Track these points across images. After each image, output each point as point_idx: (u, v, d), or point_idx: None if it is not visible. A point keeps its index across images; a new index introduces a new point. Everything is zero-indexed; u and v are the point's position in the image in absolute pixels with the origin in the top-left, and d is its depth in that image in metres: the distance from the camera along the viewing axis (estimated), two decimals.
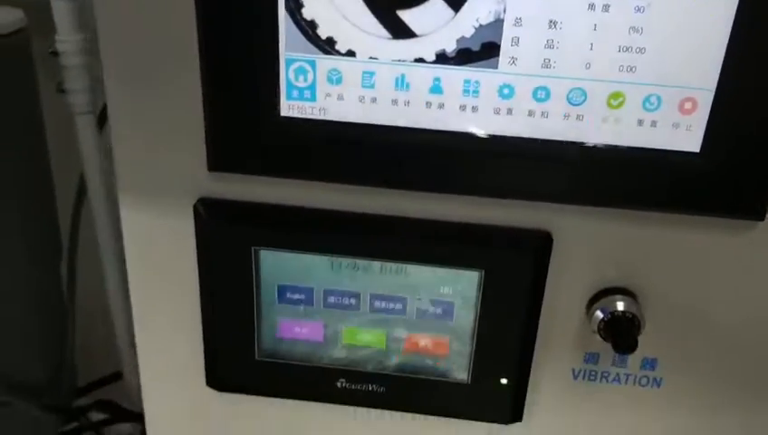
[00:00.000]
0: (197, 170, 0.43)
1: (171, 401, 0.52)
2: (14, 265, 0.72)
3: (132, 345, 0.82)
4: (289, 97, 0.40)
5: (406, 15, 0.37)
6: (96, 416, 0.84)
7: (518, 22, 0.36)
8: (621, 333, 0.42)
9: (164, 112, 0.41)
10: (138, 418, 0.85)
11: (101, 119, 0.74)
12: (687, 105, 0.37)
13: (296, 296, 0.46)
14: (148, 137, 0.42)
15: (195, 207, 0.44)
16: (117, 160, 0.43)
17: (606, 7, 0.35)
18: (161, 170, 0.43)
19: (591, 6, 0.35)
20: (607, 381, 0.47)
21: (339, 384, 0.48)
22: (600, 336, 0.43)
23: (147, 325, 0.49)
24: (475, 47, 0.37)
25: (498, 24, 0.36)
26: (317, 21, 0.37)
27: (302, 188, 0.42)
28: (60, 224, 0.80)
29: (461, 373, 0.47)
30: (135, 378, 0.85)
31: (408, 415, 0.49)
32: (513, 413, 0.48)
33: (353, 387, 0.48)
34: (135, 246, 0.46)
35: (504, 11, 0.36)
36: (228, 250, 0.45)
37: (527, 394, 0.47)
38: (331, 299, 0.46)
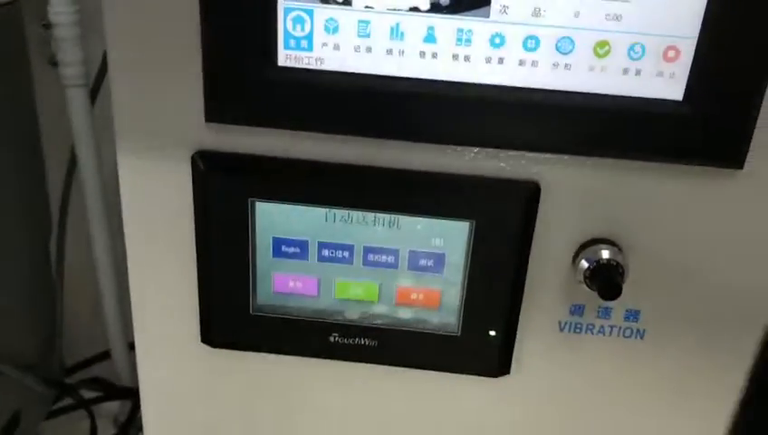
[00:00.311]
0: (195, 122, 0.43)
1: (165, 360, 0.52)
2: (3, 239, 0.72)
3: (121, 320, 0.83)
4: (286, 46, 0.41)
5: None
6: (87, 394, 0.85)
7: None
8: (606, 280, 0.43)
9: (162, 64, 0.42)
10: (128, 394, 0.85)
11: (94, 92, 0.74)
12: (671, 53, 0.39)
13: (291, 249, 0.47)
14: (146, 89, 0.43)
15: (192, 158, 0.44)
16: (116, 113, 0.44)
17: None
18: (159, 122, 0.44)
19: None
20: (592, 333, 0.48)
21: (332, 339, 0.49)
22: (586, 285, 0.45)
23: (142, 281, 0.50)
24: None
25: None
26: None
27: (298, 139, 0.43)
28: (49, 198, 0.81)
29: (451, 326, 0.48)
30: (123, 354, 0.86)
31: (399, 370, 0.50)
32: (501, 366, 0.49)
33: (346, 341, 0.49)
34: (132, 199, 0.47)
35: None
36: (225, 202, 0.46)
37: (515, 347, 0.49)
38: (325, 252, 0.47)
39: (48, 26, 0.71)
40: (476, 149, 0.43)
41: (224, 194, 0.45)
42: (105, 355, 0.88)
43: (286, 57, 0.41)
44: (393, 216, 0.45)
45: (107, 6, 0.42)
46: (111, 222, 0.78)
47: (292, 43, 0.41)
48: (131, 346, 0.84)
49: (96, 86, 0.75)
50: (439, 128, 0.42)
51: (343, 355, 0.50)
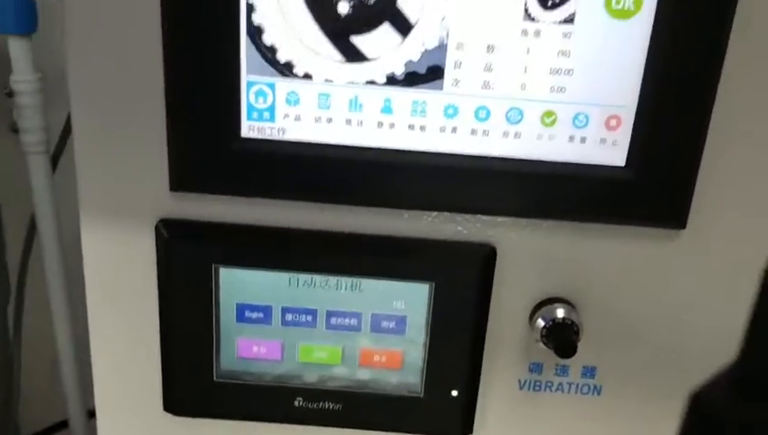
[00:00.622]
0: (159, 190, 0.44)
1: (127, 430, 0.52)
2: None
3: (79, 388, 0.81)
4: (249, 118, 0.42)
5: (358, 40, 0.40)
6: None
7: (460, 46, 0.40)
8: (562, 339, 0.45)
9: (127, 132, 0.43)
10: None
11: (55, 158, 0.75)
12: (612, 122, 0.41)
13: (255, 315, 0.48)
14: (111, 156, 0.44)
15: (156, 227, 0.45)
16: (80, 181, 0.45)
17: (537, 33, 0.39)
18: (123, 190, 0.45)
19: (524, 32, 0.39)
20: (551, 390, 0.49)
21: (296, 403, 0.49)
22: (543, 343, 0.46)
23: (104, 349, 0.49)
24: (422, 70, 0.41)
25: (442, 48, 0.40)
26: (276, 46, 0.40)
27: (261, 206, 0.44)
28: (8, 265, 0.80)
29: (414, 387, 0.49)
30: (81, 423, 0.84)
31: (364, 433, 0.51)
32: (464, 426, 0.50)
33: (310, 406, 0.49)
34: (95, 268, 0.47)
35: (447, 36, 0.40)
36: (189, 269, 0.46)
37: (477, 406, 0.49)
38: (289, 316, 0.48)
39: (11, 95, 0.71)
40: (434, 214, 0.45)
41: (187, 261, 0.46)
42: (63, 425, 0.86)
43: (249, 128, 0.42)
44: (355, 279, 0.46)
45: (72, 74, 0.43)
46: (71, 289, 0.77)
47: (255, 114, 0.42)
48: (90, 414, 0.83)
49: (57, 152, 0.75)
50: (398, 193, 0.44)
51: (308, 420, 0.50)
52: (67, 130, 0.75)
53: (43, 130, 0.72)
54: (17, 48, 0.69)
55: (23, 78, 0.69)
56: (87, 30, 0.41)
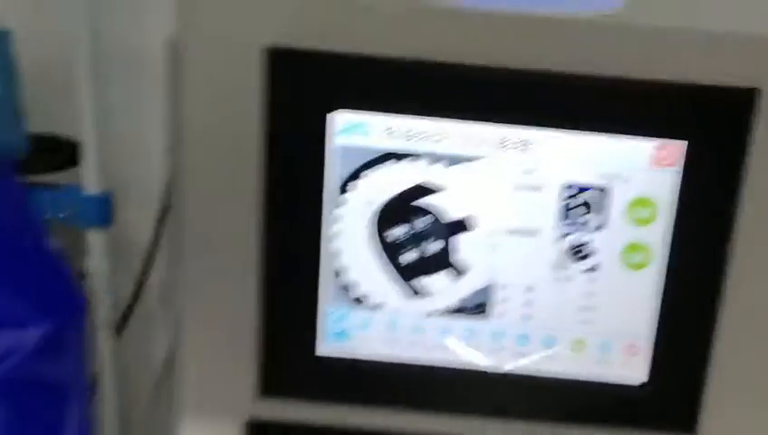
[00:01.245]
0: (248, 395, 0.52)
1: None
2: None
3: None
4: (327, 338, 0.51)
5: (422, 281, 0.49)
6: None
7: (504, 287, 0.49)
8: None
9: (225, 349, 0.52)
10: None
11: (120, 327, 0.82)
12: (632, 349, 0.50)
13: None
14: (209, 365, 0.52)
15: (247, 425, 0.53)
16: (183, 388, 0.52)
17: (567, 279, 0.49)
18: (218, 394, 0.53)
19: (557, 278, 0.49)
20: None
21: None
22: None
23: None
24: (472, 304, 0.50)
25: (489, 288, 0.49)
26: (354, 283, 0.49)
27: (335, 410, 0.52)
28: None
29: None
30: None
31: None
32: None
33: None
34: None
35: (494, 280, 0.49)
36: None
37: None
38: None
39: (83, 275, 0.80)
40: (483, 419, 0.52)
41: None
42: None
43: (327, 347, 0.51)
44: None
45: (183, 296, 0.51)
46: None
47: (332, 336, 0.51)
48: None
49: (121, 323, 0.83)
50: (454, 401, 0.52)
51: None
52: (133, 302, 0.83)
53: (112, 308, 0.80)
54: (96, 239, 0.78)
55: (97, 265, 0.78)
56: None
